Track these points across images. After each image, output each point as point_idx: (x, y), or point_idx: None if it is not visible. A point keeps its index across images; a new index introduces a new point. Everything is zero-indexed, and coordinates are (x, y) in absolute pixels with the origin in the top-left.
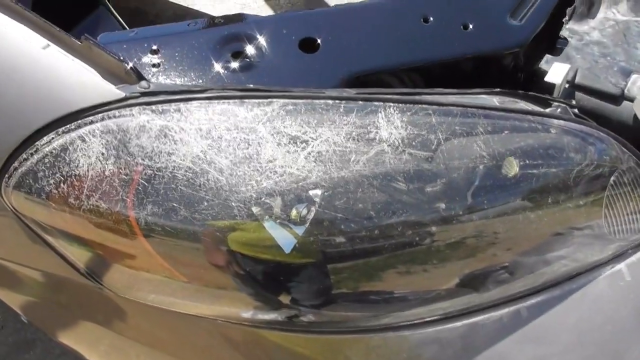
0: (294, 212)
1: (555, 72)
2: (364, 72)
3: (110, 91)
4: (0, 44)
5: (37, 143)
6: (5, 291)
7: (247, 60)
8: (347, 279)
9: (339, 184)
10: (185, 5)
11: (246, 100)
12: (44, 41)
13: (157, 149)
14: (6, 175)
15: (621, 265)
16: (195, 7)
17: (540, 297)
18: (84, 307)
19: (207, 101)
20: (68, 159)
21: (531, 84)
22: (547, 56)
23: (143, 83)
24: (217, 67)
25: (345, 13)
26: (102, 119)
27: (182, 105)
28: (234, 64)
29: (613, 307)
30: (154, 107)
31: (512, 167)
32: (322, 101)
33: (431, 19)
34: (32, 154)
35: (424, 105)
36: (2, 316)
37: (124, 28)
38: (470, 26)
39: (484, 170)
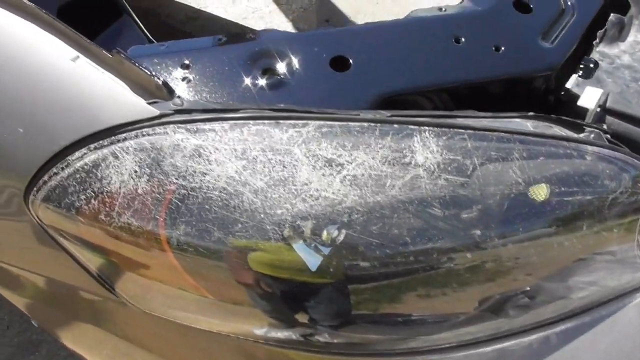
0: (325, 234)
1: (589, 96)
2: (395, 92)
3: (144, 108)
4: (30, 54)
5: (68, 158)
6: (17, 296)
7: (278, 77)
8: (378, 301)
9: (373, 209)
10: (197, 7)
11: (281, 122)
12: (73, 52)
13: (191, 169)
14: (34, 188)
15: None
16: (208, 10)
17: (570, 323)
18: (100, 318)
19: (242, 121)
20: (100, 175)
21: (562, 107)
22: (578, 79)
23: (176, 100)
24: (248, 83)
25: (377, 31)
26: (136, 137)
27: (216, 124)
28: (264, 81)
29: None
30: (188, 125)
31: (542, 193)
32: (357, 123)
33: (463, 39)
34: (62, 169)
35: (459, 130)
36: (8, 317)
37: (148, 38)
38: (502, 48)
39: (520, 197)
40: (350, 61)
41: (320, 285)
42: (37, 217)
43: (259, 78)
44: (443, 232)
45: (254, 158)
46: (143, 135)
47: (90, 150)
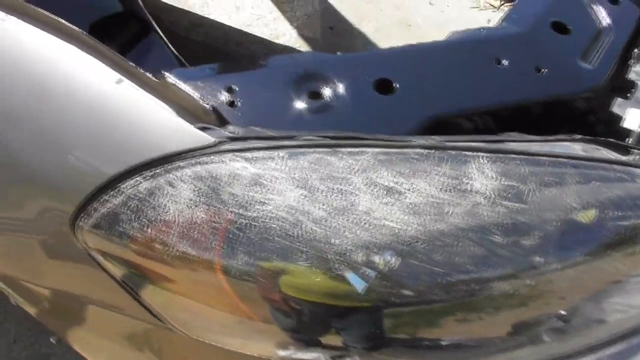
0: (381, 261)
1: (633, 118)
2: (440, 116)
3: (197, 135)
4: (76, 79)
5: (120, 185)
6: (45, 315)
7: (323, 100)
8: (418, 326)
9: (434, 236)
10: (201, 14)
11: (338, 149)
12: (116, 75)
13: (250, 198)
14: (82, 214)
15: None
16: (211, 17)
17: (621, 345)
18: (140, 342)
19: (299, 149)
20: (155, 204)
21: (604, 128)
22: (619, 99)
23: (230, 127)
24: (295, 107)
25: (419, 53)
26: (193, 165)
27: (274, 152)
28: (311, 104)
29: None
30: (246, 154)
31: (589, 217)
32: (413, 150)
33: (504, 61)
34: (114, 196)
35: (513, 155)
36: (15, 329)
37: (176, 56)
38: (543, 69)
39: (574, 222)
40: (395, 84)
41: (373, 309)
42: (84, 242)
43: (306, 101)
44: (503, 259)
45: (313, 187)
46: (200, 164)
47: (145, 179)
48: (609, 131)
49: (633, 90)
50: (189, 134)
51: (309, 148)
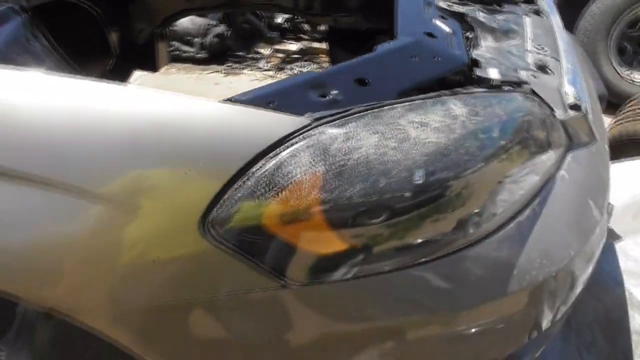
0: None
1: (492, 72)
2: (401, 91)
3: (297, 120)
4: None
5: (249, 171)
6: None
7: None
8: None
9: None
10: None
11: (382, 108)
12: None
13: (348, 147)
14: (215, 207)
15: None
16: None
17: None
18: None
19: (362, 112)
20: (283, 173)
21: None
22: (476, 68)
23: (309, 113)
24: (316, 102)
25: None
26: (303, 139)
27: (349, 118)
28: (325, 99)
29: None
30: (335, 123)
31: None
32: (420, 102)
33: (414, 58)
34: (245, 181)
35: (463, 96)
36: None
37: None
38: (437, 58)
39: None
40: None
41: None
42: (217, 233)
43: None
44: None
45: (380, 130)
46: (308, 137)
47: (270, 159)
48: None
49: (478, 64)
50: (291, 122)
51: (367, 111)
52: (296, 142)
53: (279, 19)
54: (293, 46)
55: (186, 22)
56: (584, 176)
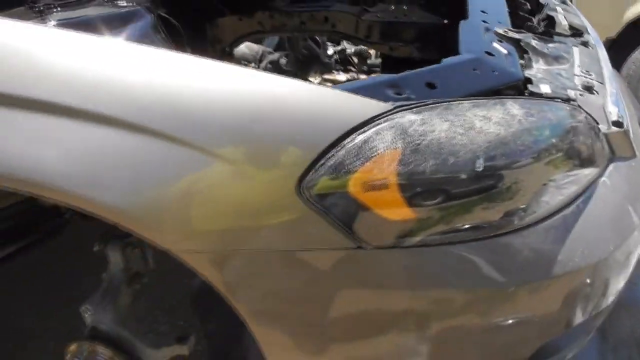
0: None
1: (544, 88)
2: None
3: (382, 105)
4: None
5: (342, 143)
6: None
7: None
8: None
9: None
10: None
11: (451, 103)
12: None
13: (422, 130)
14: (311, 172)
15: None
16: None
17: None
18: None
19: (437, 104)
20: (370, 146)
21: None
22: (529, 85)
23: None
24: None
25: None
26: (386, 120)
27: (425, 107)
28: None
29: None
30: (413, 109)
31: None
32: (482, 101)
33: (477, 71)
34: (337, 151)
35: (520, 99)
36: None
37: None
38: (496, 72)
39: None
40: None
41: None
42: (309, 195)
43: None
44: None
45: (449, 119)
46: (390, 119)
47: (359, 134)
48: None
49: (530, 81)
50: (377, 106)
51: (439, 104)
52: (381, 123)
53: (330, 50)
54: (341, 77)
55: (243, 48)
56: (624, 185)
